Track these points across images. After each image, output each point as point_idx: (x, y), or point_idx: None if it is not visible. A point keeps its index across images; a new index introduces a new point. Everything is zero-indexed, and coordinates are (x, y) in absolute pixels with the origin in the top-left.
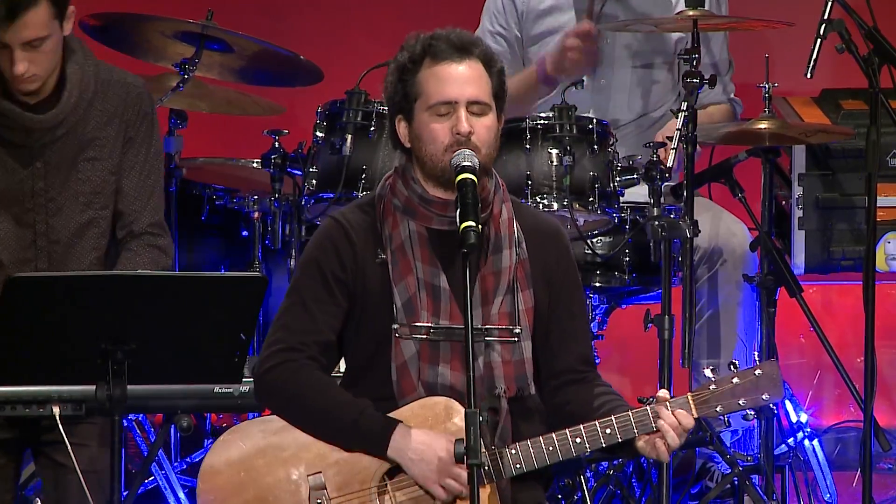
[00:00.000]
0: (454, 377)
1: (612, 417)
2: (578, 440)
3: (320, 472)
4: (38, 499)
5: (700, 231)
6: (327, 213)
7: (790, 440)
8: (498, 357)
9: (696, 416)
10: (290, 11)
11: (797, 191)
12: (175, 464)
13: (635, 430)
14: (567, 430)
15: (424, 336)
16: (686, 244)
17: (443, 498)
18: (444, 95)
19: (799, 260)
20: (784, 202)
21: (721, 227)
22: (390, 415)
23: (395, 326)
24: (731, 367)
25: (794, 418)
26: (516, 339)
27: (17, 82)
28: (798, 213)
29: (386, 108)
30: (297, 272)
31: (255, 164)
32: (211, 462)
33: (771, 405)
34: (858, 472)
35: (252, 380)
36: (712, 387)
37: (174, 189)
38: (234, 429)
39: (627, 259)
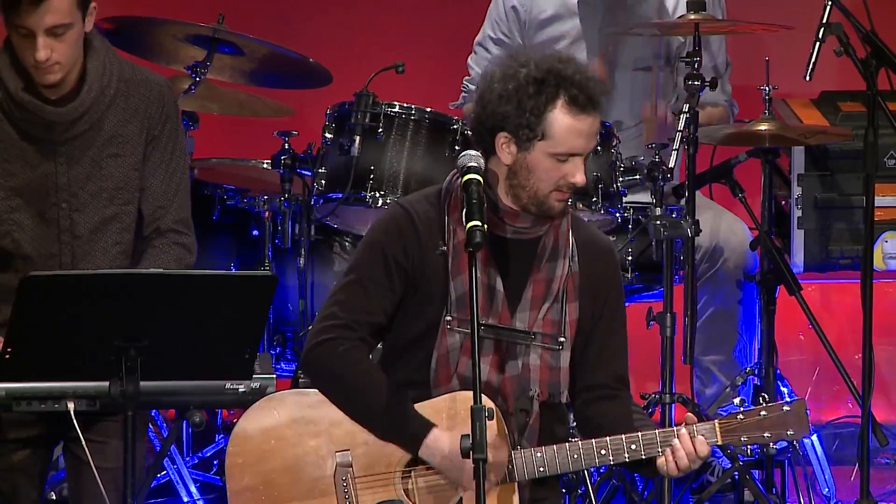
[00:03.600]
0: (490, 374)
1: (639, 434)
2: (603, 452)
3: (348, 450)
4: (52, 492)
5: (701, 230)
6: (336, 212)
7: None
8: (537, 361)
9: (720, 443)
10: (299, 15)
11: (796, 191)
12: (187, 458)
13: (659, 449)
14: (593, 441)
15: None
16: (687, 243)
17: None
18: (575, 149)
19: (798, 259)
20: (783, 202)
21: (722, 226)
22: (421, 405)
23: (448, 318)
24: (762, 399)
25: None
26: (559, 347)
27: (39, 72)
28: (797, 212)
29: (396, 109)
30: (360, 252)
31: (265, 165)
32: (244, 427)
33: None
34: (856, 466)
35: (303, 353)
36: (740, 416)
37: None
38: (271, 397)
39: (630, 258)
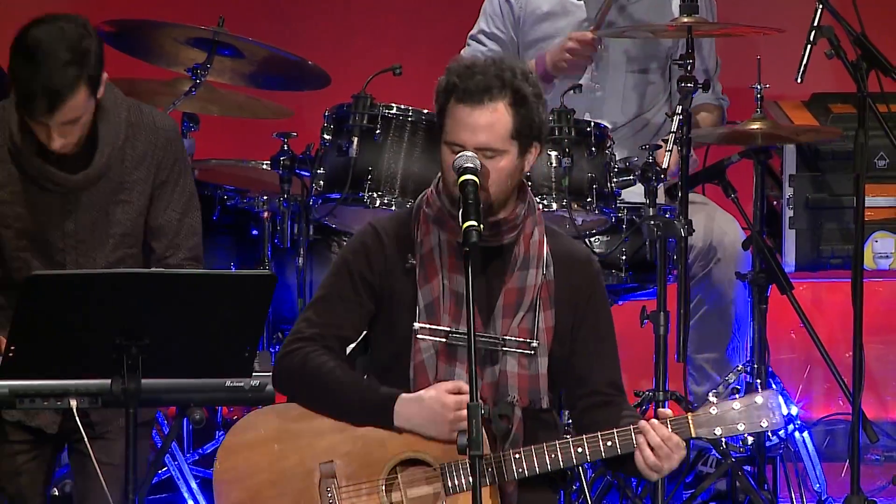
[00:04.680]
0: (468, 379)
1: (615, 430)
2: (580, 449)
3: (332, 460)
4: (55, 488)
5: (694, 230)
6: (334, 212)
7: (781, 432)
8: (514, 368)
9: (694, 436)
10: (298, 18)
11: (788, 191)
12: (188, 455)
13: (634, 443)
14: (570, 439)
15: (443, 339)
16: (681, 243)
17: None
18: (458, 138)
19: (790, 258)
20: (775, 202)
21: (715, 226)
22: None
23: (417, 326)
24: (734, 392)
25: (784, 411)
26: (532, 352)
27: (51, 147)
28: (789, 212)
29: (394, 111)
30: (329, 272)
31: (264, 166)
32: (230, 443)
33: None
34: (847, 462)
35: (273, 369)
36: (713, 409)
37: None
38: (255, 413)
39: (624, 257)
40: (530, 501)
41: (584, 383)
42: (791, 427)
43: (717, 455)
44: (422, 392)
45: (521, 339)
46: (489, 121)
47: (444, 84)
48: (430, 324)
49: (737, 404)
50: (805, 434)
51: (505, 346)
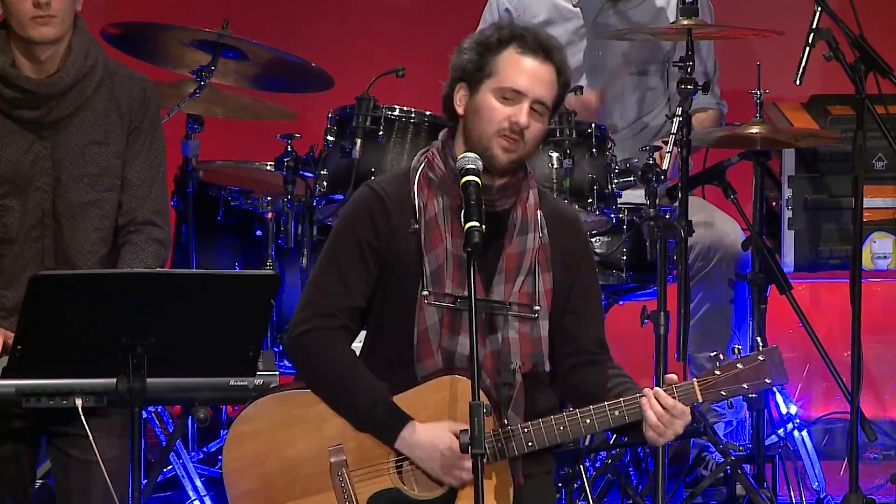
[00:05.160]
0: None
1: (621, 399)
2: (588, 420)
3: (341, 444)
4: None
5: (694, 231)
6: (337, 213)
7: (780, 431)
8: (516, 333)
9: (700, 400)
10: (301, 21)
11: (787, 192)
12: (192, 453)
13: (643, 412)
14: (578, 411)
15: (450, 304)
16: (681, 243)
17: (456, 484)
18: (518, 84)
19: (789, 259)
20: (774, 203)
21: (715, 226)
22: (404, 395)
23: (425, 293)
24: (734, 351)
25: (784, 410)
26: (535, 315)
27: (35, 24)
28: (788, 213)
29: (396, 112)
30: (333, 236)
31: (268, 167)
32: (237, 432)
33: (773, 389)
34: (845, 461)
35: (287, 341)
36: (717, 372)
37: (191, 190)
38: (259, 401)
39: (625, 258)
40: (532, 474)
41: (572, 342)
42: (790, 426)
43: (716, 459)
44: (437, 433)
45: (524, 303)
46: (550, 78)
47: (500, 34)
48: (436, 289)
49: (740, 364)
50: (804, 433)
51: (508, 312)
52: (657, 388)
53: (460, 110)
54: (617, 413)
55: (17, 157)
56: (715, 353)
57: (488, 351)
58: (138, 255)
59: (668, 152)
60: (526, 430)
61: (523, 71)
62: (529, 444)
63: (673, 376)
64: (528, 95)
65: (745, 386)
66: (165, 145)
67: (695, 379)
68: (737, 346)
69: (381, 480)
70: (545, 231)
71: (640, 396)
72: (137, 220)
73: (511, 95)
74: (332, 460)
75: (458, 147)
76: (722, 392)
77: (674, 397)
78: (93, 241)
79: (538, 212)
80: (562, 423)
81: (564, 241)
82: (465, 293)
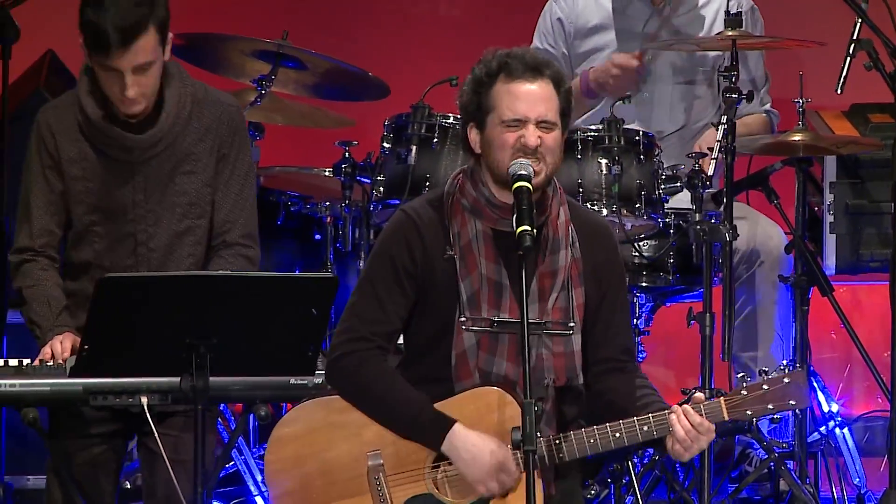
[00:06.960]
0: (508, 368)
1: (650, 415)
2: (618, 434)
3: (379, 449)
4: (126, 482)
5: (739, 235)
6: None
7: (822, 428)
8: (549, 351)
9: (726, 419)
10: (359, 32)
11: (828, 198)
12: (254, 449)
13: (669, 427)
14: (608, 426)
15: (487, 329)
16: (726, 247)
17: (489, 495)
18: (517, 112)
19: (830, 262)
20: (816, 208)
21: (758, 230)
22: (444, 403)
23: (462, 319)
24: (761, 374)
25: (826, 408)
26: (570, 332)
27: (124, 105)
28: (829, 218)
29: (450, 120)
30: (371, 262)
31: (327, 173)
32: (278, 435)
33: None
34: (886, 458)
35: (326, 366)
36: (743, 392)
37: None
38: (301, 405)
39: (671, 261)
40: (563, 487)
41: (599, 350)
42: (832, 423)
43: (760, 456)
44: (484, 437)
45: (558, 321)
46: (546, 94)
47: (488, 68)
48: (472, 314)
49: (766, 385)
50: (845, 430)
51: (544, 330)
52: (686, 406)
53: (476, 149)
54: (646, 428)
55: (107, 189)
56: (751, 356)
57: (521, 370)
58: (223, 266)
59: (713, 159)
60: (557, 442)
61: (518, 97)
62: (560, 455)
63: (700, 395)
64: (531, 118)
65: (770, 406)
66: (254, 168)
67: (722, 398)
68: (783, 365)
69: (416, 486)
70: (577, 245)
71: (668, 413)
72: (228, 242)
73: (514, 123)
74: (369, 464)
75: (490, 183)
76: (748, 412)
77: (701, 415)
78: (187, 266)
79: (570, 228)
80: (592, 437)
81: (596, 253)
82: (502, 317)
